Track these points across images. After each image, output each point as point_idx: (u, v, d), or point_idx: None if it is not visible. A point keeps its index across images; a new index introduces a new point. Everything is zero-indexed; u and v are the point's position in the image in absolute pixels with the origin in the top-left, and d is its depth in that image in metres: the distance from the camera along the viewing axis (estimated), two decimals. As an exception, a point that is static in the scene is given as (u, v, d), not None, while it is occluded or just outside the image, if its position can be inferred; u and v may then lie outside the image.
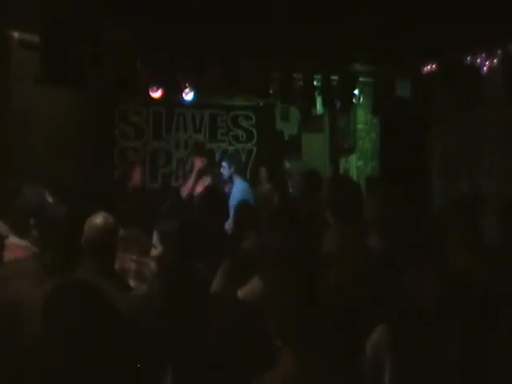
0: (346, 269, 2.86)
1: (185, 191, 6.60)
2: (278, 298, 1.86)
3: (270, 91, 6.21)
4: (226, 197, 5.40)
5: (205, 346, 2.69)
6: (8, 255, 3.07)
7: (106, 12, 4.68)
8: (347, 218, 3.49)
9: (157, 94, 6.18)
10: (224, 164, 6.94)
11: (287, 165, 7.47)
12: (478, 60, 5.55)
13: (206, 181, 6.62)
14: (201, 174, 6.76)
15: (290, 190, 7.27)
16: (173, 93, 6.38)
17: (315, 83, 6.38)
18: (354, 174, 7.60)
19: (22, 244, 3.15)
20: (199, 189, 6.29)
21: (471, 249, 2.53)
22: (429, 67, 6.10)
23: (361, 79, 6.78)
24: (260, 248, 3.28)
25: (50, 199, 3.29)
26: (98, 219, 2.95)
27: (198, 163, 6.93)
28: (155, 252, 3.50)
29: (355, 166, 7.68)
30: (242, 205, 4.79)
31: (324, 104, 6.59)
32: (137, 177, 6.72)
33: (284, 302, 1.83)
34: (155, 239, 3.47)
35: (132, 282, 3.74)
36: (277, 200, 6.08)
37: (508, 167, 5.60)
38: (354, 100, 6.71)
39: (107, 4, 4.63)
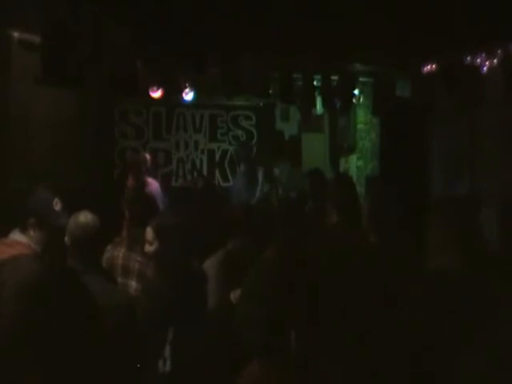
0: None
1: None
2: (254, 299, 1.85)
3: (270, 91, 6.22)
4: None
5: (199, 343, 2.70)
6: (10, 251, 3.10)
7: (106, 12, 4.68)
8: (353, 217, 3.49)
9: (157, 94, 6.18)
10: None
11: (276, 171, 7.46)
12: (478, 60, 5.55)
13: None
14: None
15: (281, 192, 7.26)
16: (173, 93, 6.38)
17: (315, 83, 6.38)
18: (353, 173, 7.60)
19: (24, 241, 3.19)
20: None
21: (462, 249, 2.52)
22: (429, 67, 6.09)
23: (361, 79, 6.78)
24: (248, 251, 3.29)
25: (58, 206, 3.31)
26: (81, 217, 3.01)
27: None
28: (150, 249, 3.51)
29: (355, 165, 7.68)
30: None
31: (324, 104, 6.59)
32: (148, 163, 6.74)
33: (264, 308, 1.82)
34: (150, 235, 3.47)
35: (134, 282, 3.74)
36: (275, 201, 6.09)
37: (508, 167, 5.60)
38: (354, 100, 6.71)
39: (107, 4, 4.63)
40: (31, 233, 3.19)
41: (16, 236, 3.21)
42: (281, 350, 1.78)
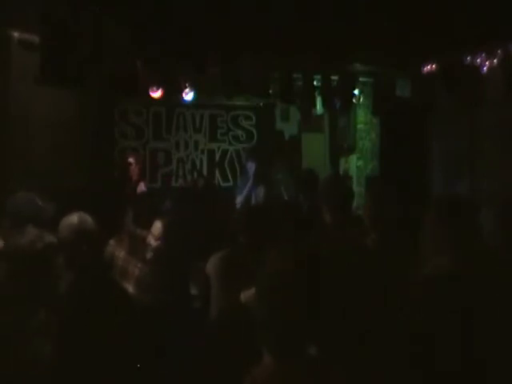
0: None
1: None
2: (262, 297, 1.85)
3: (270, 91, 6.21)
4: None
5: (198, 342, 2.71)
6: None
7: (106, 12, 4.69)
8: (350, 217, 3.49)
9: (157, 94, 6.18)
10: None
11: (279, 176, 7.44)
12: (478, 60, 5.55)
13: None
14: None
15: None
16: (173, 93, 6.38)
17: (315, 83, 6.38)
18: (353, 173, 7.60)
19: None
20: None
21: (460, 249, 2.53)
22: (429, 67, 6.09)
23: (361, 79, 6.78)
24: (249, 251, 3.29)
25: (39, 202, 3.30)
26: (72, 219, 3.01)
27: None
28: (154, 243, 3.53)
29: (355, 165, 7.68)
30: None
31: (324, 104, 6.59)
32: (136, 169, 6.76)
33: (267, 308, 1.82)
34: (157, 231, 3.49)
35: (130, 287, 3.75)
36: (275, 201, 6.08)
37: (508, 167, 5.60)
38: (354, 100, 6.72)
39: (107, 4, 4.63)
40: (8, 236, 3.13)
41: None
42: (295, 350, 1.79)
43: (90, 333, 2.53)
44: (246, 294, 2.89)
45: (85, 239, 2.99)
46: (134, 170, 6.74)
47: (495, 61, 5.39)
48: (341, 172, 7.99)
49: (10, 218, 3.24)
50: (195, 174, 8.23)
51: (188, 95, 6.48)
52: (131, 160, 6.83)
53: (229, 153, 8.37)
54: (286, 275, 1.84)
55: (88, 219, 3.06)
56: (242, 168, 7.90)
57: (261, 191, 6.98)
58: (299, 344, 1.81)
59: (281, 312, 1.79)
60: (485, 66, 5.50)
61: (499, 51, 5.33)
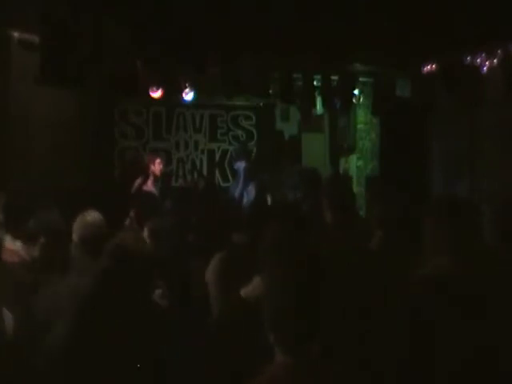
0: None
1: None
2: (271, 296, 1.86)
3: (270, 91, 6.22)
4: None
5: (199, 344, 2.71)
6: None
7: (106, 12, 4.69)
8: (350, 217, 3.48)
9: (157, 94, 6.18)
10: None
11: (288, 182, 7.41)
12: (478, 60, 5.55)
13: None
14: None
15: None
16: (173, 93, 6.38)
17: (315, 83, 6.39)
18: (353, 173, 7.60)
19: (13, 248, 3.15)
20: None
21: (460, 249, 2.53)
22: (429, 67, 6.10)
23: (361, 79, 6.79)
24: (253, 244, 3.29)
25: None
26: (90, 216, 3.04)
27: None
28: None
29: (355, 165, 7.68)
30: None
31: (324, 104, 6.59)
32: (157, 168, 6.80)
33: (276, 301, 1.83)
34: (146, 234, 3.55)
35: None
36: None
37: (508, 167, 5.60)
38: (354, 100, 6.72)
39: (107, 4, 4.63)
40: (31, 245, 3.15)
41: (7, 242, 3.17)
42: (298, 350, 1.79)
43: (90, 331, 2.53)
44: (246, 290, 2.89)
45: (99, 234, 3.02)
46: (158, 170, 6.79)
47: (495, 61, 5.39)
48: (341, 172, 8.00)
49: (40, 234, 3.23)
50: (195, 174, 8.23)
51: (188, 95, 6.48)
52: (158, 161, 6.85)
53: (229, 153, 8.37)
54: (286, 275, 1.84)
55: (99, 215, 3.10)
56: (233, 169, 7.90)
57: (252, 189, 6.97)
58: (302, 344, 1.81)
59: (282, 312, 1.79)
60: (485, 66, 5.50)
61: (499, 51, 5.33)
